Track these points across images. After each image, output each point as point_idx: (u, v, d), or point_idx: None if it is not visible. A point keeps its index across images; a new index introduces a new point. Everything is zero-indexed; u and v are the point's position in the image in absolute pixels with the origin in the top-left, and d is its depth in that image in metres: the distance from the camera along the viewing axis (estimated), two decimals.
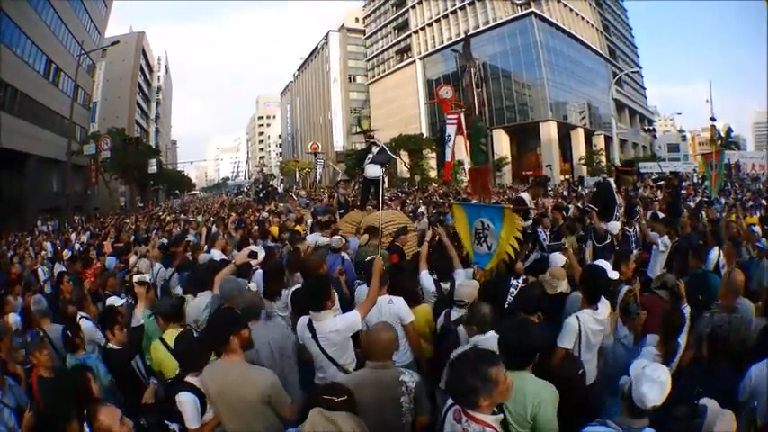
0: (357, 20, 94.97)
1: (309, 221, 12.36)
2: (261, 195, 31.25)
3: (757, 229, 8.24)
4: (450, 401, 2.92)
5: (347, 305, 5.50)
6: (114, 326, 4.64)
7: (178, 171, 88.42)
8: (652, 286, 5.22)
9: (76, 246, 17.87)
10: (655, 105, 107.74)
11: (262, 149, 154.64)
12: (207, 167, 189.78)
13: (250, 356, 3.76)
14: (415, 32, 79.54)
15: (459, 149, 15.56)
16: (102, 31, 54.87)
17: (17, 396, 4.27)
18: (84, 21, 47.56)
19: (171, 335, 4.48)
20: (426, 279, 5.69)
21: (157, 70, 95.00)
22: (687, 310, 4.49)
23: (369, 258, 5.79)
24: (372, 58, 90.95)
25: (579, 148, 64.01)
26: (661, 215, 9.88)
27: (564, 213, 11.13)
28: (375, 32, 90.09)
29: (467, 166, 15.38)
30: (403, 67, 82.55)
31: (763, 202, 17.80)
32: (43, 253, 16.29)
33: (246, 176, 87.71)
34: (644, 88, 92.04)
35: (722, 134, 55.76)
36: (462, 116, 14.54)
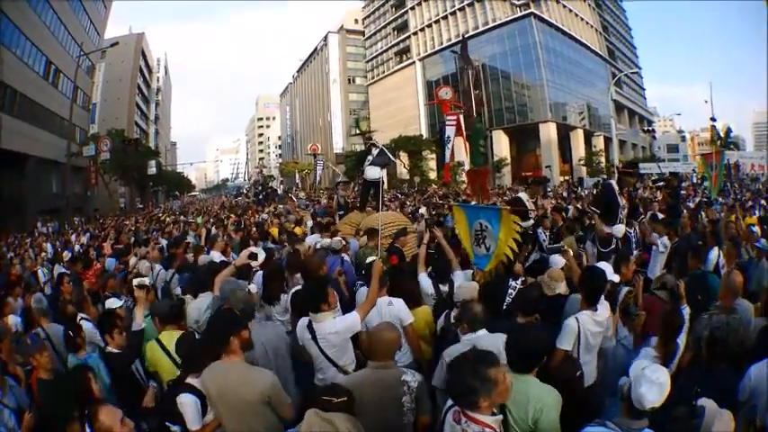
0: (356, 21, 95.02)
1: (309, 223, 12.37)
2: (260, 197, 31.23)
3: (756, 229, 8.25)
4: (449, 402, 2.92)
5: (347, 306, 5.50)
6: (113, 330, 4.64)
7: (178, 172, 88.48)
8: (652, 287, 5.23)
9: (76, 247, 17.89)
10: (654, 106, 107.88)
11: (261, 151, 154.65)
12: (206, 169, 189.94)
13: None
14: (415, 33, 79.53)
15: (459, 150, 15.57)
16: (102, 33, 54.88)
17: (17, 397, 4.27)
18: (83, 22, 47.59)
19: (167, 336, 4.55)
20: (424, 281, 5.70)
21: (157, 71, 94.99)
22: (686, 310, 4.50)
23: (369, 260, 5.80)
24: (372, 59, 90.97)
25: (579, 149, 64.00)
26: (660, 216, 9.90)
27: (563, 215, 11.15)
28: (374, 33, 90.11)
29: (466, 168, 15.39)
30: (402, 68, 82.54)
31: (763, 202, 17.82)
32: (43, 254, 16.31)
33: (246, 178, 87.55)
34: (643, 89, 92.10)
35: (722, 134, 55.78)
36: (461, 117, 14.52)
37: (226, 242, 10.07)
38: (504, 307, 4.75)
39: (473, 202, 10.51)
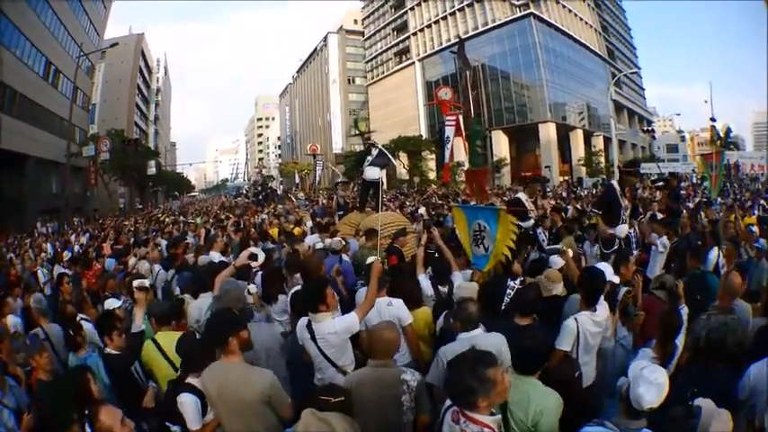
0: (356, 21, 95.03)
1: (309, 223, 12.37)
2: (260, 197, 31.23)
3: (755, 229, 8.25)
4: (448, 402, 2.93)
5: (346, 307, 5.51)
6: (112, 331, 4.64)
7: (177, 173, 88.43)
8: (651, 287, 5.23)
9: (76, 247, 17.88)
10: (654, 106, 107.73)
11: (261, 151, 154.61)
12: (206, 169, 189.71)
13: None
14: (414, 34, 79.54)
15: (459, 151, 15.57)
16: (102, 33, 54.91)
17: (18, 397, 4.27)
18: (83, 22, 47.64)
19: (163, 336, 4.57)
20: (423, 282, 5.70)
21: (156, 72, 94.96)
22: (685, 310, 4.50)
23: (370, 260, 5.81)
24: (371, 59, 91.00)
25: (578, 149, 64.02)
26: (660, 216, 9.89)
27: (563, 215, 11.16)
28: (374, 34, 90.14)
29: (466, 168, 15.41)
30: (402, 68, 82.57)
31: (762, 202, 17.81)
32: (43, 255, 16.29)
33: (245, 178, 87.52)
34: (643, 89, 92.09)
35: (721, 134, 55.78)
36: (461, 117, 14.54)
37: (225, 242, 10.09)
38: (503, 307, 4.76)
39: (472, 203, 10.52)
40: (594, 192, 30.22)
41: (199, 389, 3.54)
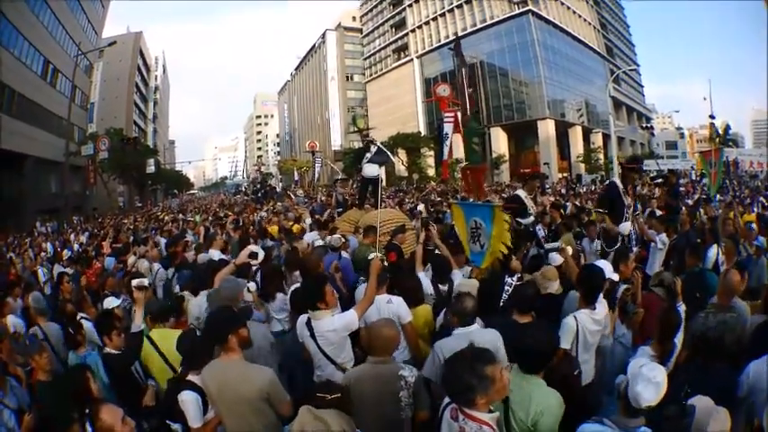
0: (354, 18, 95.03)
1: (308, 220, 12.36)
2: (259, 195, 31.21)
3: (755, 226, 8.25)
4: (447, 399, 2.93)
5: (345, 304, 5.51)
6: (111, 331, 4.64)
7: (176, 171, 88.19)
8: (650, 284, 5.23)
9: (75, 246, 17.86)
10: (653, 103, 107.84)
11: (260, 148, 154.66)
12: (205, 167, 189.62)
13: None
14: (413, 31, 79.57)
15: (458, 147, 15.53)
16: (100, 32, 54.84)
17: (19, 397, 4.27)
18: (81, 21, 47.59)
19: (157, 333, 4.62)
20: (423, 281, 5.69)
21: (155, 70, 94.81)
22: (682, 308, 4.50)
23: (371, 257, 5.81)
24: (370, 56, 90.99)
25: (577, 146, 64.02)
26: (659, 213, 9.89)
27: (562, 212, 11.16)
28: (372, 31, 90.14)
29: (463, 165, 15.41)
30: (400, 65, 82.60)
31: (762, 199, 17.79)
32: (42, 254, 16.26)
33: (245, 176, 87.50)
34: (642, 86, 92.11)
35: (720, 131, 55.80)
36: (459, 114, 14.53)
37: (225, 240, 10.09)
38: (501, 304, 4.76)
39: (470, 200, 10.52)
40: (594, 188, 30.24)
41: (199, 386, 3.54)
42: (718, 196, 14.54)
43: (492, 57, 66.37)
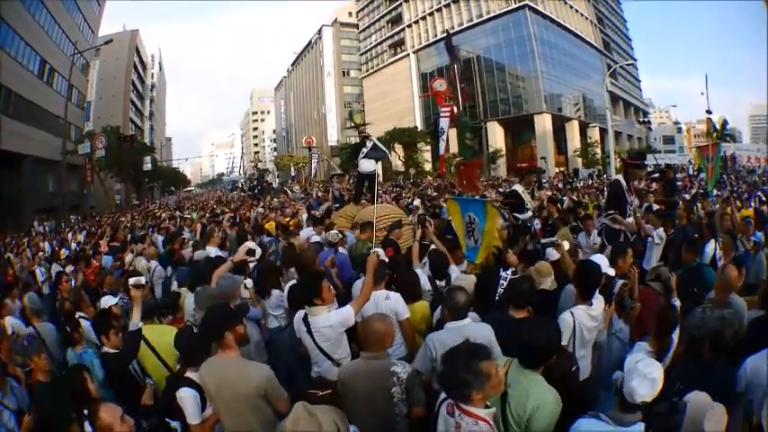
0: (350, 14, 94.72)
1: (304, 216, 12.36)
2: (256, 191, 31.19)
3: (752, 221, 8.25)
4: (443, 395, 2.94)
5: (342, 300, 5.52)
6: (109, 330, 4.64)
7: (173, 168, 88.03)
8: (646, 279, 5.24)
9: (73, 245, 17.83)
10: (650, 98, 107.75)
11: (256, 144, 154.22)
12: (202, 163, 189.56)
13: None
14: (409, 26, 79.36)
15: (454, 142, 15.53)
16: (96, 30, 54.59)
17: (19, 398, 4.27)
18: (77, 20, 47.42)
19: (148, 329, 4.70)
20: (421, 277, 5.69)
21: (151, 68, 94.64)
22: (677, 303, 4.50)
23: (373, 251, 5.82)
24: (366, 51, 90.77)
25: (574, 141, 63.97)
26: (656, 207, 9.90)
27: (559, 206, 11.18)
28: (368, 26, 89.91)
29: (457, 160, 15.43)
30: (396, 60, 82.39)
31: (760, 194, 17.81)
32: (40, 253, 16.23)
33: (241, 172, 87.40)
34: (639, 81, 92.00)
35: (717, 126, 55.77)
36: (455, 108, 14.53)
37: (222, 237, 10.09)
38: (497, 298, 4.76)
39: (467, 195, 10.52)
40: (591, 183, 30.27)
41: (198, 383, 3.56)
42: (715, 191, 14.56)
43: (489, 51, 66.22)
